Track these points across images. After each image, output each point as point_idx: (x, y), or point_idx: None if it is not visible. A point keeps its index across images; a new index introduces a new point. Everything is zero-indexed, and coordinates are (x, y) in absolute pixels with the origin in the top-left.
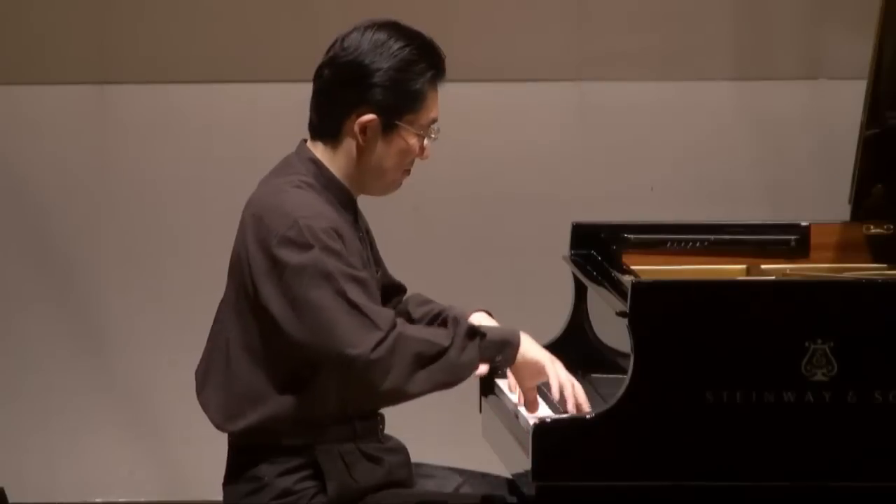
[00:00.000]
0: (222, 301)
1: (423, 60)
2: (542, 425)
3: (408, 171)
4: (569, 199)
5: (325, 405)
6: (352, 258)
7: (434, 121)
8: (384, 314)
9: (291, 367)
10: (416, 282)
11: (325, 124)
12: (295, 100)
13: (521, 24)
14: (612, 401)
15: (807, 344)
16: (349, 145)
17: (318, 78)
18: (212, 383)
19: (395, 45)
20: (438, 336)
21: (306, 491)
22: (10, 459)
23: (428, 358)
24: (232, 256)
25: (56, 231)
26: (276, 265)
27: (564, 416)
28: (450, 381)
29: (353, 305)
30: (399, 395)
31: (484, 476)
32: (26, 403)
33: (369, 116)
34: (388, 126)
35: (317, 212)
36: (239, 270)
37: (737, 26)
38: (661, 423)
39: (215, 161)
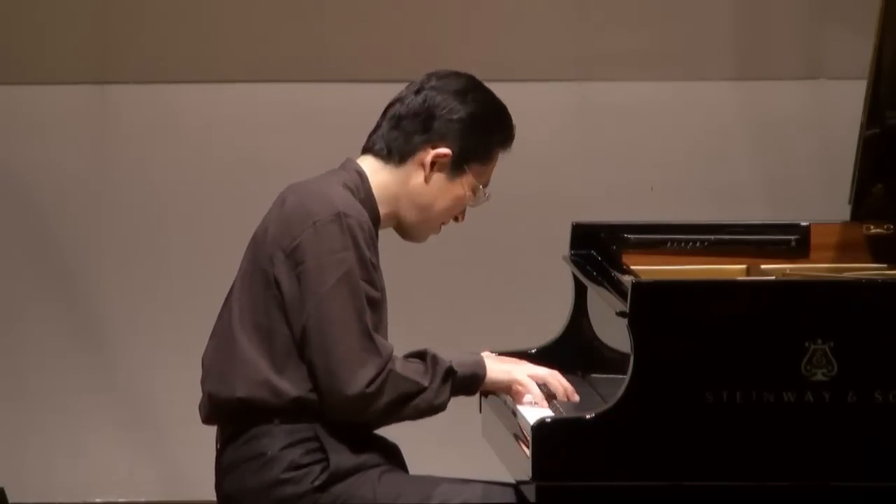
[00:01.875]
0: (237, 276)
1: (502, 120)
2: (542, 425)
3: (440, 226)
4: (569, 199)
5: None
6: (376, 273)
7: (488, 182)
8: (387, 345)
9: (294, 344)
10: (417, 282)
11: (396, 147)
12: (295, 100)
13: (521, 24)
14: (612, 401)
15: (807, 344)
16: (410, 173)
17: (399, 103)
18: (214, 364)
19: (481, 96)
20: (419, 374)
21: (313, 466)
22: (10, 459)
23: (409, 396)
24: (256, 232)
25: (56, 231)
26: (302, 248)
27: (564, 416)
28: (420, 417)
29: (366, 329)
30: (372, 424)
31: (482, 481)
32: (26, 403)
33: (445, 151)
34: (457, 168)
35: (359, 212)
36: (262, 243)
37: (737, 26)
38: (661, 424)
39: (215, 161)
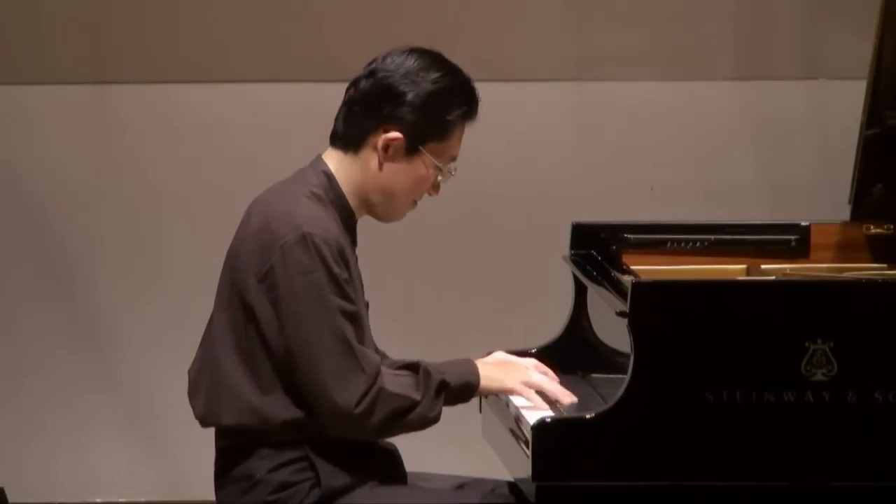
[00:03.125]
0: (216, 296)
1: (460, 95)
2: (542, 425)
3: (415, 203)
4: (568, 199)
5: (311, 407)
6: (349, 288)
7: (453, 158)
8: (372, 360)
9: (278, 368)
10: (416, 282)
11: (350, 134)
12: (295, 100)
13: (521, 24)
14: (612, 401)
15: (807, 344)
16: (368, 159)
17: (353, 88)
18: (202, 380)
19: (436, 74)
20: (411, 389)
21: (303, 484)
22: (10, 459)
23: (403, 412)
24: (229, 252)
25: (56, 231)
26: (273, 273)
27: (564, 416)
28: (414, 430)
29: (346, 348)
30: (370, 440)
31: (482, 480)
32: (26, 403)
33: (395, 134)
34: (412, 149)
35: (325, 227)
36: (235, 266)
37: (737, 26)
38: (661, 423)
39: (215, 161)
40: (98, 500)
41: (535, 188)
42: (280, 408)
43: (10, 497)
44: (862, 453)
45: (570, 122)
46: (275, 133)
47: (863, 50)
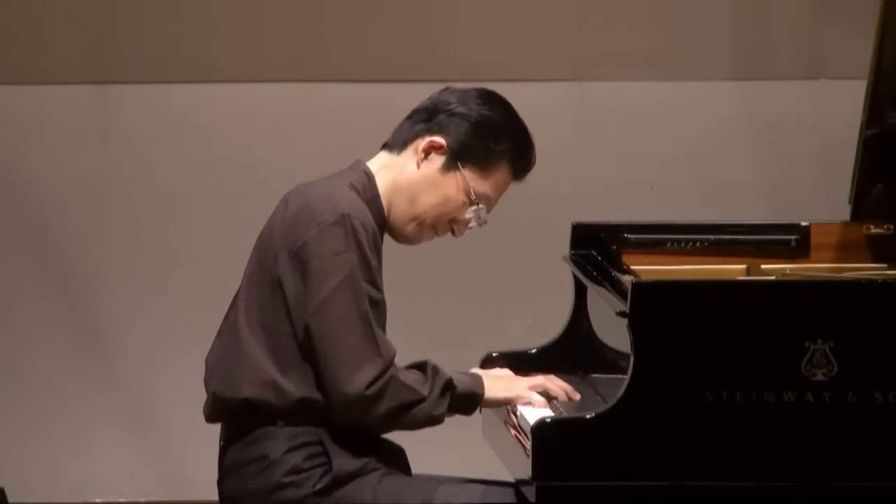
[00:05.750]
0: (243, 278)
1: (512, 135)
2: (542, 425)
3: (434, 231)
4: (568, 199)
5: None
6: (378, 276)
7: (488, 201)
8: (390, 347)
9: (297, 348)
10: (417, 282)
11: (400, 134)
12: (295, 100)
13: (521, 24)
14: (612, 401)
15: (807, 344)
16: (406, 160)
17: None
18: (221, 361)
19: (497, 110)
20: (419, 384)
21: (315, 470)
22: (10, 459)
23: (409, 405)
24: (262, 235)
25: (56, 231)
26: (307, 248)
27: (565, 416)
28: (418, 427)
29: (368, 331)
30: (372, 429)
31: (482, 480)
32: (26, 403)
33: (439, 140)
34: (450, 164)
35: (364, 214)
36: (267, 244)
37: (737, 26)
38: (661, 423)
39: (215, 161)
40: (98, 500)
41: (535, 188)
42: (298, 385)
43: (10, 497)
44: (862, 453)
45: (571, 122)
46: (275, 133)
47: (863, 50)
